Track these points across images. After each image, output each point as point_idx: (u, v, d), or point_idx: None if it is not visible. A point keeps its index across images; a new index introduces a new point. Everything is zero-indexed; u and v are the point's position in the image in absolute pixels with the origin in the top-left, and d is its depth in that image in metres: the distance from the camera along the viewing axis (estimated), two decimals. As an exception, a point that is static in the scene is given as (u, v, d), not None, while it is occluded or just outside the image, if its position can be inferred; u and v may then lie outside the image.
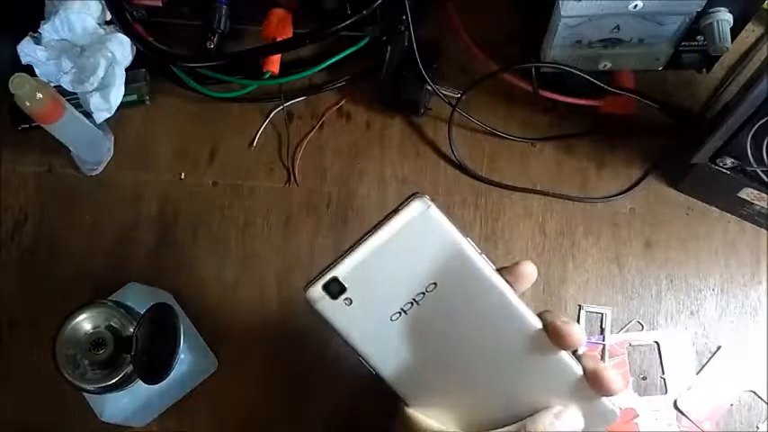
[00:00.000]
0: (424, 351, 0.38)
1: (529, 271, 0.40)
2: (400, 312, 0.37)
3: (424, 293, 0.37)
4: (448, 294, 0.37)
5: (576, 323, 0.39)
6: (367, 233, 0.37)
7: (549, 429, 0.39)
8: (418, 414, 0.40)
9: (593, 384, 0.39)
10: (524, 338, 0.38)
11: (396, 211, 0.37)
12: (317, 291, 0.37)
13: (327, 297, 0.37)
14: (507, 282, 0.38)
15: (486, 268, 0.38)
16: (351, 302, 0.37)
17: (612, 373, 0.39)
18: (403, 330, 0.38)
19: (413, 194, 0.37)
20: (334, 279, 0.37)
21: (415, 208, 0.37)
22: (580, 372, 0.39)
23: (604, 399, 0.40)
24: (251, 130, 0.61)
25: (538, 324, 0.38)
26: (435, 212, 0.37)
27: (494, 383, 0.39)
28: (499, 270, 0.39)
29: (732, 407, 0.54)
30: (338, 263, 0.37)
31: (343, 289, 0.37)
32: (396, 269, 0.37)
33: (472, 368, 0.39)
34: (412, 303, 0.37)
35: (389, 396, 0.40)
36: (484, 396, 0.39)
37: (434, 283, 0.37)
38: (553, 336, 0.39)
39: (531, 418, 0.39)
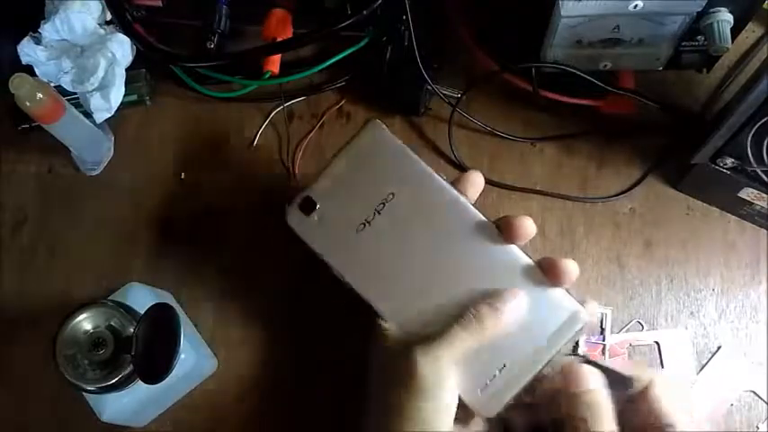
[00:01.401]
0: (389, 258, 0.44)
1: (475, 177, 0.46)
2: (365, 224, 0.44)
3: (384, 203, 0.44)
4: (405, 201, 0.44)
5: (527, 216, 0.43)
6: (332, 157, 0.44)
7: (484, 308, 0.41)
8: (392, 325, 0.43)
9: (548, 272, 0.42)
10: (477, 235, 0.43)
11: (355, 136, 0.45)
12: (294, 211, 0.44)
13: (303, 216, 0.44)
14: (459, 190, 0.44)
15: (437, 176, 0.44)
16: (322, 218, 0.44)
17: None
18: (369, 240, 0.44)
19: (367, 120, 0.45)
20: (308, 197, 0.44)
21: (370, 130, 0.45)
22: (532, 262, 0.43)
23: (566, 298, 0.42)
24: (251, 130, 0.61)
25: (489, 222, 0.44)
26: (387, 133, 0.45)
27: (453, 284, 0.43)
28: (450, 182, 0.45)
29: (732, 407, 0.54)
30: (310, 185, 0.44)
31: (314, 205, 0.44)
32: (358, 183, 0.44)
33: (433, 271, 0.43)
34: (374, 213, 0.44)
35: (370, 315, 0.44)
36: (446, 299, 0.43)
37: (392, 193, 0.44)
38: (504, 227, 0.43)
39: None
